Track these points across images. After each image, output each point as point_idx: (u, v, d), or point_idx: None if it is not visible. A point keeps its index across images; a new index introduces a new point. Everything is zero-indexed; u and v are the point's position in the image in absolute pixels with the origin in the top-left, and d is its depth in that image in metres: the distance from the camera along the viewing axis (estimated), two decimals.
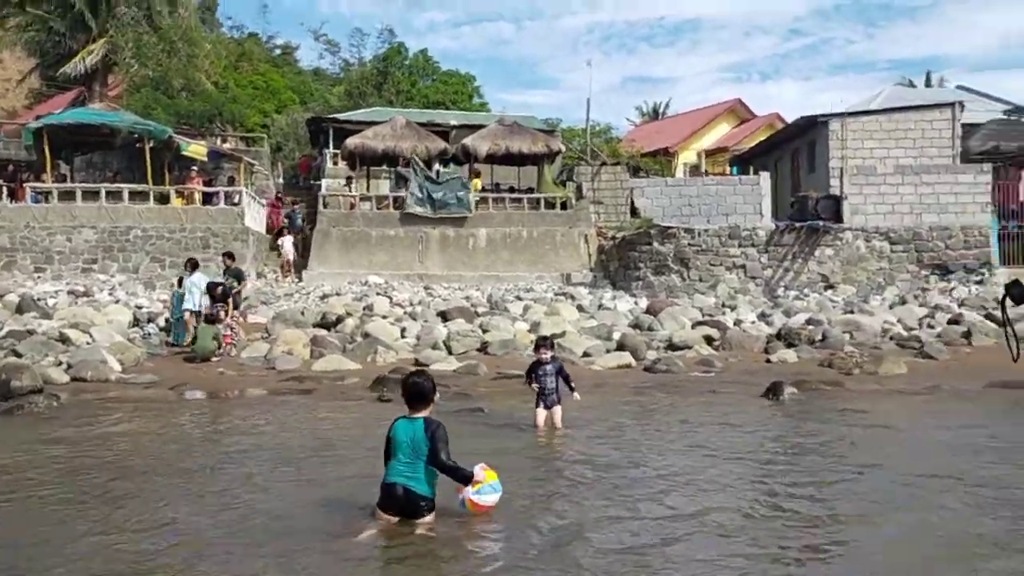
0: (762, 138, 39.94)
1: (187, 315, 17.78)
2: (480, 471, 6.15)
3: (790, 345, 17.31)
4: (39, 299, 21.15)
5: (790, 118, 38.00)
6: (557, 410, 9.86)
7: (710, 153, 45.91)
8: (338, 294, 24.87)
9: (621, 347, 16.89)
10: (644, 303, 22.89)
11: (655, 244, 25.43)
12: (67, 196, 25.65)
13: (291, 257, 28.32)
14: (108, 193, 25.84)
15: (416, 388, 6.09)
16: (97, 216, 25.27)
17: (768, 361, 16.26)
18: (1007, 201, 26.17)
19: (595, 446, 9.07)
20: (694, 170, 40.53)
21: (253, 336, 18.80)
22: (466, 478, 6.05)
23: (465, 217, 27.77)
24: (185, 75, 37.60)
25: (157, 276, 24.85)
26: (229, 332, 17.34)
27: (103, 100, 34.12)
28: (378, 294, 24.31)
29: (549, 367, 9.79)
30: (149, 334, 18.65)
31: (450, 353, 17.11)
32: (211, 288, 17.54)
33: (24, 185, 26.24)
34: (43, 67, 40.24)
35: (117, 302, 21.30)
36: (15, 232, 24.76)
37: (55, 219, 25.07)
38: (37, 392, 11.86)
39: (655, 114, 67.02)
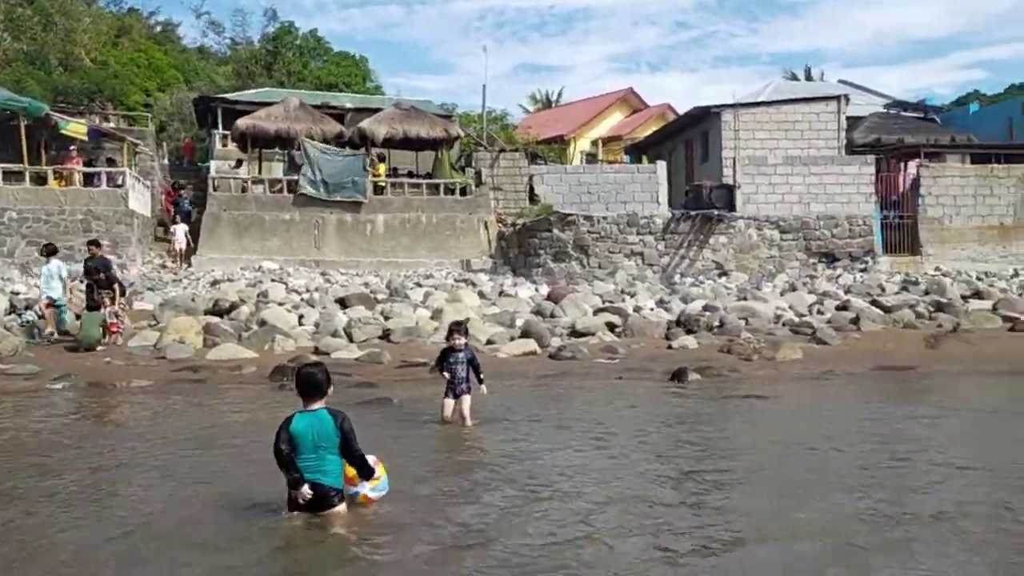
0: (654, 127, 40.69)
1: (43, 305, 16.75)
2: (375, 464, 5.97)
3: (689, 332, 17.59)
4: None
5: (680, 108, 38.87)
6: (466, 400, 9.35)
7: (605, 141, 46.43)
8: (230, 280, 24.03)
9: (525, 334, 16.83)
10: (545, 290, 22.93)
11: (555, 231, 25.50)
12: None
13: (183, 247, 26.96)
14: None
15: (310, 380, 5.83)
16: None
17: (670, 347, 16.49)
18: (888, 192, 27.34)
19: (503, 436, 8.89)
20: (590, 158, 40.88)
21: (140, 324, 17.96)
22: (370, 472, 5.89)
23: (360, 203, 27.22)
24: (63, 50, 35.61)
25: (34, 261, 23.37)
26: (115, 320, 16.49)
27: None
28: (273, 280, 23.60)
29: (461, 355, 9.37)
30: (28, 322, 17.57)
31: (351, 341, 16.72)
32: (93, 272, 16.49)
33: None
34: None
35: None
36: None
37: None
38: None
39: (548, 102, 67.25)
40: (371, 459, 5.93)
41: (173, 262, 26.71)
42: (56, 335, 16.46)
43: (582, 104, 56.96)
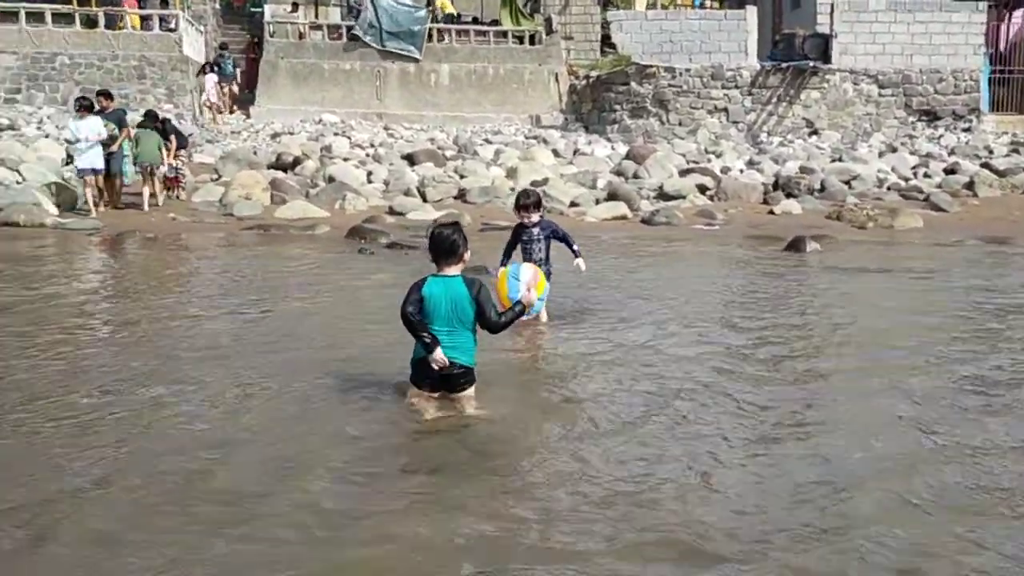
0: None
1: (82, 176, 13.71)
2: (531, 273, 5.71)
3: (789, 195, 16.20)
4: None
5: None
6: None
7: None
8: (291, 133, 22.95)
9: (612, 196, 15.59)
10: (622, 148, 21.47)
11: (633, 84, 23.73)
12: None
13: (213, 99, 24.45)
14: (29, 14, 22.97)
15: (445, 241, 4.98)
16: (18, 40, 22.54)
17: (771, 212, 15.16)
18: (994, 43, 24.93)
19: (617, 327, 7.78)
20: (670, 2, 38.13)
21: (202, 178, 17.08)
22: (522, 312, 5.32)
23: (416, 60, 25.59)
24: None
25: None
26: (176, 174, 15.55)
27: None
28: (335, 134, 22.46)
29: (536, 231, 7.25)
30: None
31: (425, 200, 15.67)
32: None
33: None
34: None
35: (47, 137, 19.16)
36: None
37: None
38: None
39: None
40: (526, 270, 5.74)
41: (208, 116, 24.35)
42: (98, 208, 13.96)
43: None
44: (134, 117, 17.02)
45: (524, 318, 5.44)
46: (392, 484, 3.92)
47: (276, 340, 6.51)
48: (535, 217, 7.25)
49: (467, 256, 5.03)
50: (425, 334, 4.86)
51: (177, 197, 15.41)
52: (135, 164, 14.28)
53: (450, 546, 3.35)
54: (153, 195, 14.30)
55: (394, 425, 4.76)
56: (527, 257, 7.17)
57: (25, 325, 6.84)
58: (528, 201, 7.27)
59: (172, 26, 24.03)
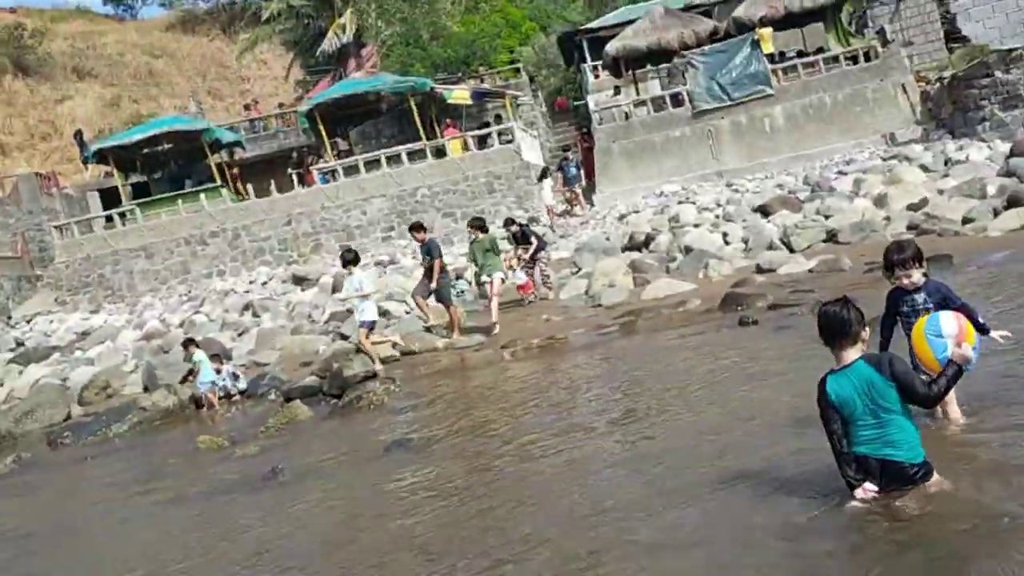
0: None
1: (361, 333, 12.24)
2: (953, 323, 4.48)
3: None
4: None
5: None
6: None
7: None
8: (636, 211, 22.98)
9: (1015, 202, 13.47)
10: (1003, 146, 18.84)
11: (997, 73, 21.01)
12: (351, 171, 25.74)
13: (548, 202, 24.67)
14: (388, 159, 25.60)
15: (837, 321, 4.21)
16: (383, 184, 25.14)
17: None
18: None
19: None
20: None
21: (563, 274, 17.40)
22: (959, 374, 4.24)
23: (770, 95, 24.59)
24: (432, 22, 37.03)
25: (452, 232, 24.23)
26: (528, 278, 15.67)
27: (360, 69, 34.26)
28: (679, 202, 22.12)
29: (920, 298, 5.10)
30: (462, 292, 17.80)
31: (792, 251, 14.62)
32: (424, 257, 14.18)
33: (311, 169, 26.69)
34: (301, 53, 41.40)
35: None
36: (314, 215, 25.20)
37: (346, 195, 25.23)
38: (371, 378, 11.00)
39: None
40: (948, 322, 4.48)
41: (548, 218, 24.28)
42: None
43: None
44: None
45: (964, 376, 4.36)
46: None
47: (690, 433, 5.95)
48: (917, 277, 5.08)
49: (865, 334, 4.21)
50: (846, 468, 4.19)
51: (544, 297, 15.72)
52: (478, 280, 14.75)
53: None
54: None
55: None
56: (908, 331, 5.00)
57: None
58: (903, 256, 5.10)
59: (509, 138, 25.43)
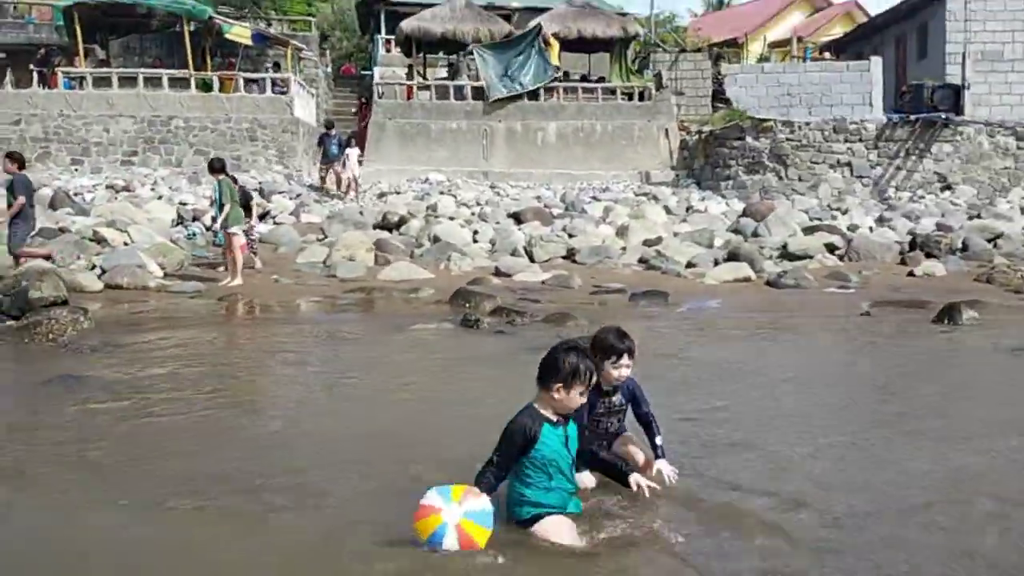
0: (841, 27, 36.47)
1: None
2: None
3: (929, 255, 14.87)
4: (76, 193, 19.36)
5: (871, 5, 34.41)
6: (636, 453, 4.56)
7: (779, 44, 42.20)
8: (397, 192, 22.77)
9: (733, 256, 14.58)
10: (738, 205, 20.48)
11: (748, 139, 22.77)
12: (102, 82, 23.55)
13: (357, 173, 22.27)
14: (146, 79, 23.68)
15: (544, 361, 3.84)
16: (136, 104, 23.18)
17: (911, 274, 13.87)
18: None
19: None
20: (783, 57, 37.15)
21: (308, 238, 16.85)
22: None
23: (547, 89, 25.18)
24: None
25: (202, 171, 22.73)
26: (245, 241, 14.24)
27: None
28: (441, 193, 22.15)
29: (617, 399, 4.44)
30: (194, 234, 16.76)
31: (532, 260, 14.98)
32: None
33: (57, 70, 24.15)
34: None
35: (160, 198, 19.45)
36: (48, 121, 22.80)
37: (91, 107, 23.02)
38: (61, 304, 9.92)
39: (720, 3, 62.54)
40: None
41: (343, 190, 22.24)
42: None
43: (756, 3, 52.26)
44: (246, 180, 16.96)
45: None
46: None
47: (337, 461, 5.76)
48: (626, 373, 4.30)
49: (555, 393, 3.74)
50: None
51: (252, 265, 14.29)
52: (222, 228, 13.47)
53: None
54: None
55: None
56: (596, 433, 4.38)
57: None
58: (626, 344, 4.25)
59: (284, 89, 24.36)
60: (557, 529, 3.75)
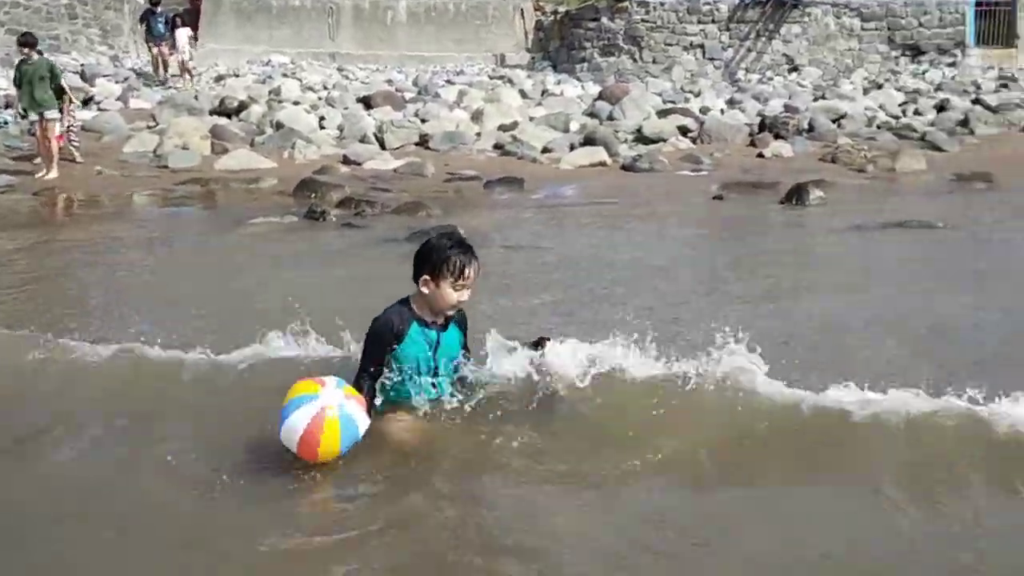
0: None
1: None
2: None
3: (778, 136, 15.04)
4: None
5: None
6: None
7: None
8: (236, 75, 21.25)
9: (589, 141, 14.32)
10: (593, 88, 20.15)
11: (603, 20, 22.35)
12: None
13: (187, 57, 19.92)
14: None
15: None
16: None
17: (760, 156, 13.99)
18: None
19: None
20: None
21: (137, 126, 15.49)
22: None
23: None
24: None
25: (15, 52, 20.51)
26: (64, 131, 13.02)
27: None
28: (285, 76, 20.82)
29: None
30: (6, 122, 15.14)
31: (383, 148, 14.29)
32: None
33: None
34: None
35: None
36: None
37: None
38: None
39: None
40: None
41: (171, 73, 20.13)
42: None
43: None
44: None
45: None
46: None
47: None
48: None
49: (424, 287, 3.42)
50: None
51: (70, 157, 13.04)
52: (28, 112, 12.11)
53: None
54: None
55: None
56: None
57: None
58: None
59: None
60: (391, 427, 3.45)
